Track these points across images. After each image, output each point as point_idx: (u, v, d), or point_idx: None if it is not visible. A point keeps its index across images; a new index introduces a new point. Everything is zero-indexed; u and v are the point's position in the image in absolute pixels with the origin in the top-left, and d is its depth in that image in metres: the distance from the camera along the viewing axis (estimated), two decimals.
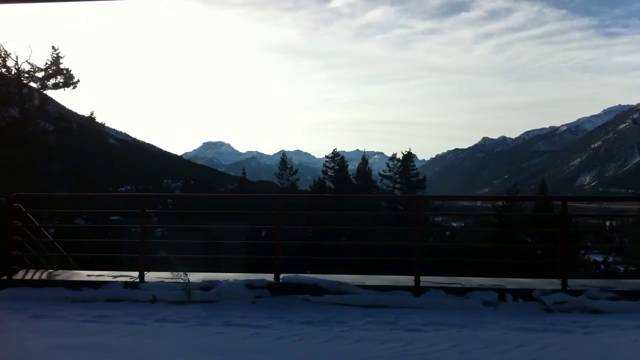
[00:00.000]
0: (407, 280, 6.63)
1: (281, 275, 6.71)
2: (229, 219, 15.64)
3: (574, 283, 6.46)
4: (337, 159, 34.98)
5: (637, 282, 7.47)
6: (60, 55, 26.90)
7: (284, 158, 40.02)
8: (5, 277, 6.93)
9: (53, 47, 26.87)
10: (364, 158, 36.03)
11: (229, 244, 10.98)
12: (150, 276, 6.91)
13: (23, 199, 7.43)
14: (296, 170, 39.46)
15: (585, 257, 22.07)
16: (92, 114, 30.58)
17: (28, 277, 7.16)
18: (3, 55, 25.59)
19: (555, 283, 6.50)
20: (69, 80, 26.85)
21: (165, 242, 7.19)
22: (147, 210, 7.56)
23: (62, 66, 26.81)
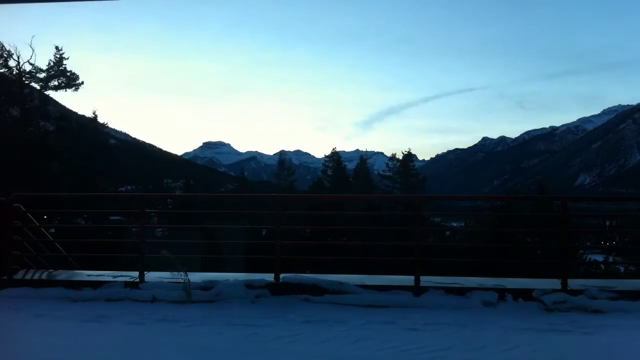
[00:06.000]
0: (407, 280, 6.63)
1: (281, 275, 6.72)
2: (229, 219, 15.72)
3: (574, 283, 6.46)
4: (335, 158, 35.04)
5: (637, 282, 7.48)
6: (64, 56, 26.90)
7: (282, 158, 40.17)
8: (5, 277, 6.94)
9: (56, 48, 26.88)
10: (362, 158, 36.11)
11: (229, 244, 11.02)
12: (150, 276, 6.92)
13: (23, 199, 7.43)
14: (294, 171, 39.58)
15: (585, 257, 22.07)
16: (94, 113, 30.59)
17: (28, 277, 7.17)
18: (5, 55, 25.60)
19: (555, 283, 6.50)
20: (72, 82, 26.85)
21: (165, 242, 7.19)
22: (147, 210, 7.57)
23: (66, 67, 26.83)
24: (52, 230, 15.09)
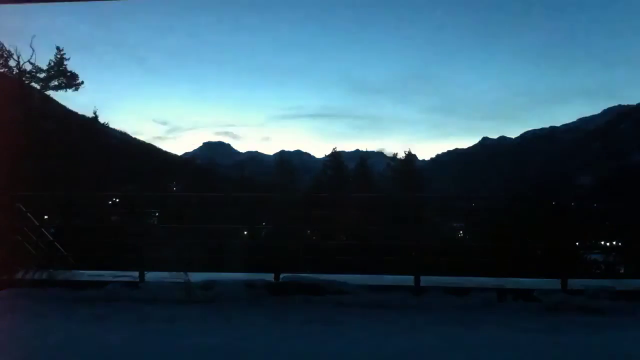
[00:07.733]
0: (407, 280, 6.64)
1: (281, 275, 6.72)
2: (229, 219, 15.71)
3: (574, 283, 6.47)
4: (335, 158, 35.08)
5: (637, 282, 7.48)
6: (64, 56, 26.90)
7: (282, 158, 40.30)
8: (5, 277, 6.94)
9: (57, 48, 26.88)
10: (362, 158, 36.19)
11: (229, 244, 11.02)
12: (150, 276, 6.92)
13: (23, 199, 7.44)
14: (293, 170, 39.70)
15: (585, 257, 22.04)
16: (95, 113, 30.61)
17: (28, 277, 7.17)
18: (5, 55, 25.58)
19: (555, 283, 6.50)
20: (72, 82, 26.86)
21: (165, 242, 7.20)
22: (146, 210, 7.58)
23: (66, 67, 26.83)
24: (52, 230, 15.06)
